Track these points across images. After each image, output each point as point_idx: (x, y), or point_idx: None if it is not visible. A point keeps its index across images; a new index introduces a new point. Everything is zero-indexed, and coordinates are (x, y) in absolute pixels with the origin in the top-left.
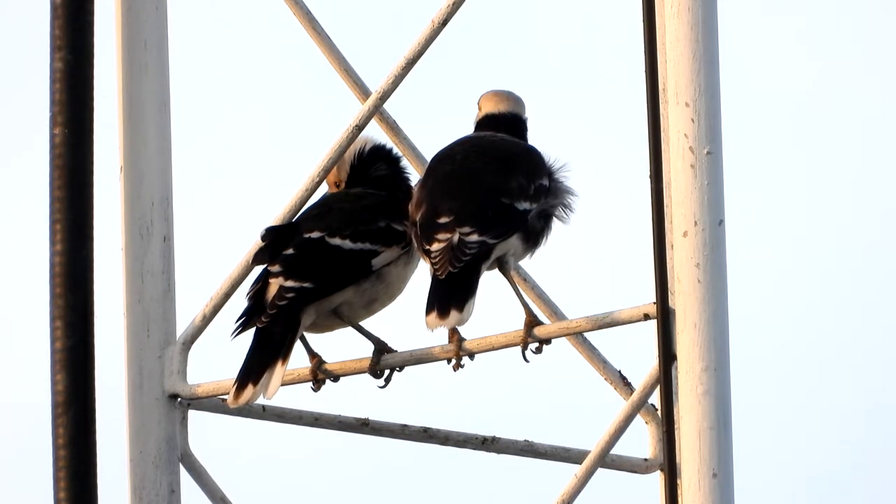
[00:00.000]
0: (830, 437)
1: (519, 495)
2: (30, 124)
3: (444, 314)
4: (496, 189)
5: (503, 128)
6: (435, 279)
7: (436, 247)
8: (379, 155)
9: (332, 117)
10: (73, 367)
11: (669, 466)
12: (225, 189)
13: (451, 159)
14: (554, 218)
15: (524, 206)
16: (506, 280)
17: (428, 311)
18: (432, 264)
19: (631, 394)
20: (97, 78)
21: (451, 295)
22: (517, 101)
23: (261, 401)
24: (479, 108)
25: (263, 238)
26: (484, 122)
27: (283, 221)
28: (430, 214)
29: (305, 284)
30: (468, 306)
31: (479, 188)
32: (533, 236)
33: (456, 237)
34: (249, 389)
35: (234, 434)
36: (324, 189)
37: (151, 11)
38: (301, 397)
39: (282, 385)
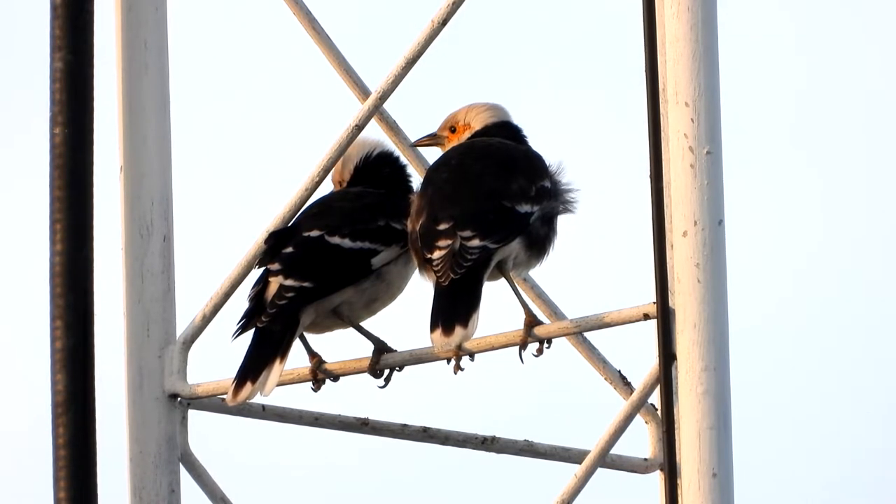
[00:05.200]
0: (831, 437)
1: (519, 495)
2: (30, 124)
3: (448, 331)
4: (496, 192)
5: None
6: (438, 292)
7: (437, 254)
8: (386, 161)
9: (332, 117)
10: (73, 367)
11: (669, 466)
12: (225, 189)
13: (448, 165)
14: (559, 218)
15: (525, 209)
16: (505, 280)
17: (433, 328)
18: (434, 272)
19: (631, 394)
20: (97, 78)
21: (455, 310)
22: (501, 108)
23: (259, 398)
24: (467, 126)
25: (266, 241)
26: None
27: (283, 221)
28: (430, 222)
29: (305, 284)
30: (472, 321)
31: (479, 192)
32: (537, 243)
33: (457, 243)
34: (248, 387)
35: (234, 434)
36: (324, 189)
37: (151, 11)
38: (301, 397)
39: (282, 385)
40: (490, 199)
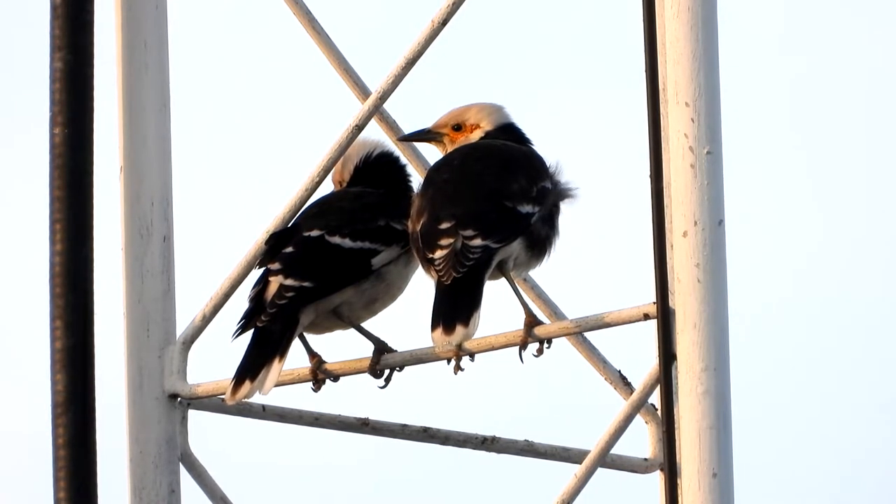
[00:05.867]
0: (831, 437)
1: (519, 495)
2: (30, 124)
3: (449, 330)
4: (497, 192)
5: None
6: (439, 291)
7: (438, 254)
8: (386, 161)
9: (332, 117)
10: (73, 367)
11: (669, 466)
12: (225, 189)
13: (449, 166)
14: (560, 218)
15: (527, 209)
16: (506, 280)
17: (433, 327)
18: (436, 271)
19: (631, 394)
20: (97, 78)
21: (456, 309)
22: (504, 109)
23: (258, 397)
24: (476, 125)
25: (267, 242)
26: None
27: (283, 221)
28: (432, 221)
29: (305, 283)
30: (473, 320)
31: (481, 192)
32: (538, 243)
33: (459, 242)
34: (246, 386)
35: (234, 434)
36: (324, 189)
37: (151, 11)
38: (301, 397)
39: (282, 385)
40: (491, 198)
